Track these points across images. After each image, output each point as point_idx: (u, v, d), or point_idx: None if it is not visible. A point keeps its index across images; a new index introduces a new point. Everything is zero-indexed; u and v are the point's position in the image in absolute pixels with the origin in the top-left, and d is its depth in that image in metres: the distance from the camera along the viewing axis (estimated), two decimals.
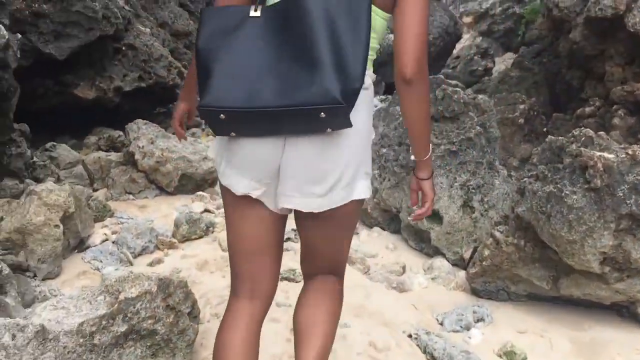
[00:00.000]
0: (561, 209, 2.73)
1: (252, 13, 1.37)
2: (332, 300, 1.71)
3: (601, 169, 2.68)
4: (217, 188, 4.82)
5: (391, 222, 4.19)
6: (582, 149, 2.81)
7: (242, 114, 1.33)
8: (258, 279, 1.62)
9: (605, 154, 2.77)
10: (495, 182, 3.82)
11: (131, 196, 4.40)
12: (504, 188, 3.82)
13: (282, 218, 1.62)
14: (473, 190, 3.77)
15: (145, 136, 4.54)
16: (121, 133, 6.97)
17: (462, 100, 3.99)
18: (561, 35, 4.95)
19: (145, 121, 4.75)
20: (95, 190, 4.66)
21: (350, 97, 1.31)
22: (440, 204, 3.69)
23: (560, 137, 3.07)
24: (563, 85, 6.03)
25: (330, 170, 1.43)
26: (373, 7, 1.40)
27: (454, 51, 18.87)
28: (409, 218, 2.47)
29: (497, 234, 3.13)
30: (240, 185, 1.49)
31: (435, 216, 3.72)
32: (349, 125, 1.36)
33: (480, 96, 4.07)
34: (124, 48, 7.12)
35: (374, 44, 1.47)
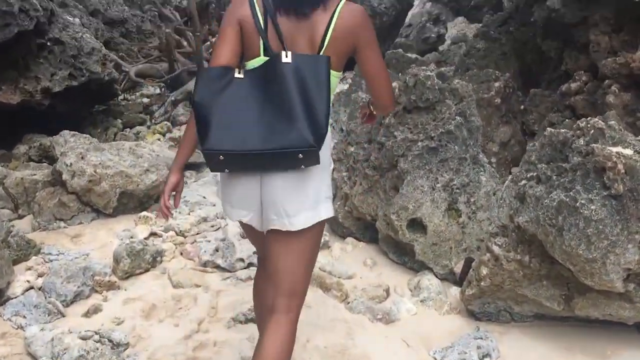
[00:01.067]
0: (576, 221, 2.26)
1: (237, 75, 1.76)
2: (283, 334, 1.84)
3: (622, 170, 2.21)
4: None
5: (366, 230, 3.69)
6: (593, 145, 2.33)
7: (237, 155, 1.70)
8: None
9: (623, 151, 2.30)
10: (481, 179, 3.35)
11: (62, 223, 3.77)
12: (491, 185, 3.36)
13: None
14: (457, 191, 3.28)
15: (73, 151, 3.90)
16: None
17: (436, 87, 3.49)
18: (535, 2, 4.48)
19: (72, 132, 4.10)
20: (20, 217, 4.01)
21: (320, 141, 1.69)
22: (422, 210, 3.19)
23: (562, 130, 2.59)
24: (535, 56, 5.59)
25: (300, 197, 1.79)
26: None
27: (406, 19, 18.45)
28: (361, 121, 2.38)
29: (496, 248, 2.66)
30: (234, 215, 1.93)
31: (418, 225, 3.22)
32: (318, 162, 1.74)
33: (456, 81, 3.57)
34: (49, 43, 6.34)
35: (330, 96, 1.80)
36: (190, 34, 7.67)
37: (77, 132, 4.16)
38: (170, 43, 7.27)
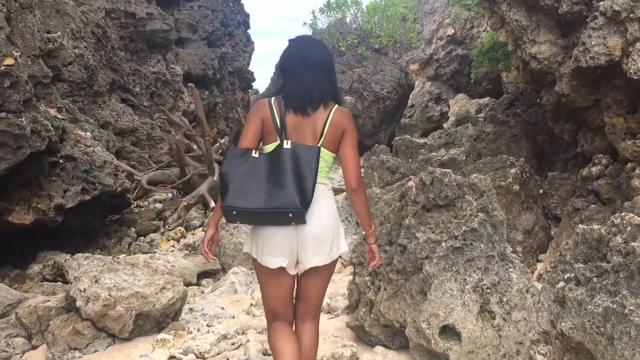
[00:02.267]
0: (627, 329, 2.09)
1: (254, 155, 2.50)
2: (314, 338, 2.71)
3: None
4: (181, 322, 4.07)
5: (394, 337, 3.49)
6: (634, 245, 2.20)
7: (244, 212, 2.43)
8: (284, 312, 2.64)
9: None
10: (512, 277, 3.18)
11: (77, 353, 3.60)
12: (523, 281, 3.19)
13: (294, 277, 2.62)
14: (488, 291, 3.12)
15: (87, 274, 3.79)
16: (70, 257, 6.19)
17: (454, 183, 3.39)
18: (542, 87, 4.48)
19: (86, 255, 4.01)
20: (34, 347, 3.86)
21: (305, 205, 2.42)
22: (454, 316, 3.01)
23: (596, 227, 2.46)
24: (546, 136, 5.55)
25: (327, 240, 2.55)
26: (324, 150, 2.55)
27: (409, 100, 18.78)
28: (369, 267, 2.95)
29: (540, 358, 2.47)
30: (274, 262, 2.50)
31: (451, 332, 3.04)
32: (304, 222, 2.46)
33: (474, 175, 3.48)
34: (61, 161, 6.42)
35: (326, 167, 2.59)
36: (200, 137, 7.77)
37: (90, 254, 4.06)
38: (179, 149, 7.34)
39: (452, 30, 21.58)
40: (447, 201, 3.35)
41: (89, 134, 7.77)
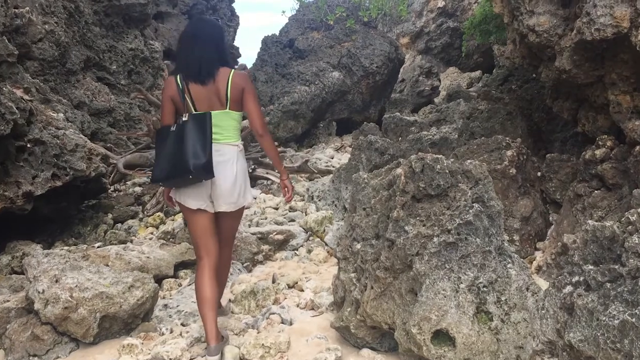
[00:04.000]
0: None
1: (172, 129, 3.06)
2: (228, 257, 3.58)
3: None
4: (153, 323, 3.76)
5: (382, 339, 3.21)
6: None
7: (164, 180, 3.15)
8: (209, 247, 3.24)
9: None
10: (510, 274, 2.90)
11: None
12: (522, 279, 2.90)
13: (212, 214, 3.24)
14: (485, 289, 2.84)
15: (46, 274, 3.47)
16: (40, 247, 5.86)
17: (447, 170, 3.08)
18: (540, 62, 4.14)
19: (46, 252, 3.68)
20: None
21: (198, 167, 2.96)
22: (448, 319, 2.72)
23: (608, 224, 2.16)
24: (542, 114, 5.24)
25: (234, 193, 3.19)
26: (229, 112, 3.14)
27: (399, 75, 18.39)
28: (284, 199, 3.76)
29: None
30: (195, 205, 3.17)
31: (444, 337, 2.75)
32: (209, 177, 3.06)
33: (469, 161, 3.17)
34: (29, 145, 6.02)
35: (237, 126, 3.23)
36: None
37: (51, 251, 3.72)
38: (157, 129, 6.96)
39: (443, 2, 21.12)
40: (439, 190, 3.05)
41: (61, 115, 7.36)
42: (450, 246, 2.86)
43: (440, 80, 20.65)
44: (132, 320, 3.61)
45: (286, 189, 3.37)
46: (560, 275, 2.33)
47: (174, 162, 2.97)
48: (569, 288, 2.22)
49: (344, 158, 9.26)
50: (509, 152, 4.19)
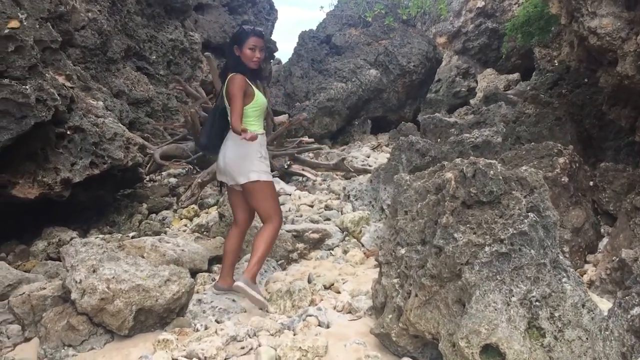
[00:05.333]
0: None
1: None
2: (266, 233, 3.92)
3: None
4: (187, 318, 3.71)
5: (424, 348, 3.09)
6: None
7: (201, 147, 4.57)
8: (235, 216, 4.17)
9: None
10: (565, 288, 2.74)
11: (71, 351, 3.26)
12: (578, 294, 2.74)
13: (236, 191, 4.05)
14: (537, 304, 2.69)
15: (84, 263, 3.43)
16: (76, 234, 5.88)
17: (500, 177, 2.93)
18: (600, 67, 3.96)
19: (84, 241, 3.65)
20: (27, 339, 3.53)
21: (205, 145, 4.20)
22: (498, 334, 2.59)
23: None
24: (594, 120, 5.03)
25: (231, 171, 3.91)
26: (228, 107, 3.90)
27: (436, 75, 18.13)
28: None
29: None
30: (218, 177, 4.15)
31: (493, 351, 2.62)
32: (216, 153, 4.03)
33: (523, 168, 3.02)
34: (68, 132, 6.05)
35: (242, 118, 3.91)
36: None
37: (89, 240, 3.70)
38: (195, 121, 6.93)
39: (482, 3, 20.72)
40: (492, 197, 2.91)
41: (101, 103, 7.39)
42: (502, 257, 2.72)
43: (477, 82, 20.32)
44: (168, 315, 3.55)
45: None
46: (627, 295, 2.17)
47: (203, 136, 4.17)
48: (636, 310, 2.07)
49: (380, 157, 9.13)
50: (561, 160, 4.01)
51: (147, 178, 7.64)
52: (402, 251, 3.18)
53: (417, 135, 9.04)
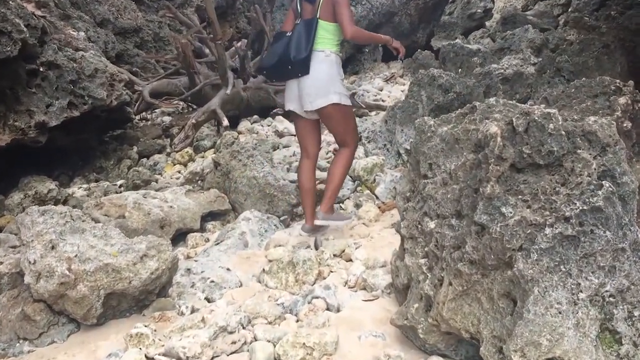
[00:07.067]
0: None
1: (288, 33, 3.69)
2: (342, 159, 3.77)
3: None
4: (172, 296, 3.14)
5: (458, 346, 2.49)
6: None
7: (268, 68, 3.79)
8: (306, 146, 3.90)
9: None
10: None
11: (27, 345, 2.70)
12: None
13: (309, 120, 3.81)
14: (612, 300, 2.05)
15: (40, 238, 2.82)
16: (55, 185, 5.26)
17: (562, 131, 2.23)
18: None
19: (43, 209, 3.01)
20: None
21: (297, 61, 3.54)
22: (564, 345, 1.96)
23: None
24: None
25: (313, 92, 3.59)
26: (322, 22, 3.60)
27: None
28: (400, 57, 3.96)
29: None
30: (288, 107, 3.81)
31: None
32: (306, 73, 3.57)
33: (592, 119, 2.29)
34: (41, 69, 5.32)
35: (329, 37, 3.64)
36: (211, 41, 6.54)
37: (51, 207, 3.05)
38: (187, 54, 6.15)
39: None
40: (552, 159, 2.21)
41: (82, 34, 6.61)
42: (568, 241, 2.06)
43: (493, 2, 19.06)
44: (145, 297, 2.97)
45: (396, 48, 3.91)
46: None
47: (281, 55, 3.59)
48: None
49: (394, 90, 8.32)
50: (621, 100, 3.27)
51: (138, 118, 6.94)
52: (432, 225, 2.52)
53: (434, 65, 8.20)
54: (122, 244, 2.94)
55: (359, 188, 4.67)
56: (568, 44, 4.71)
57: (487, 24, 17.56)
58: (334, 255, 3.50)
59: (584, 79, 3.68)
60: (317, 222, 3.72)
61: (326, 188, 3.79)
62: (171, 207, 4.19)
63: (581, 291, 2.04)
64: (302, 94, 3.63)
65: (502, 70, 5.39)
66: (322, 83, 3.58)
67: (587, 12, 4.82)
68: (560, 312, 2.00)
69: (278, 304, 2.95)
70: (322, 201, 3.76)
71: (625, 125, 3.19)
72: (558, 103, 3.59)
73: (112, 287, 2.77)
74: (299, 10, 3.70)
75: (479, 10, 18.28)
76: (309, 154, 3.88)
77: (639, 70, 4.38)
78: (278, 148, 5.95)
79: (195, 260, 3.64)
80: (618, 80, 3.47)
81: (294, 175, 4.79)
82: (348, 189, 4.62)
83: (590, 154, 2.22)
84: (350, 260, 3.45)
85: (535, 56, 6.08)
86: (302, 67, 3.54)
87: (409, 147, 4.77)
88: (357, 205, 4.35)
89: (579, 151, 2.22)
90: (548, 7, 15.47)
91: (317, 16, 3.56)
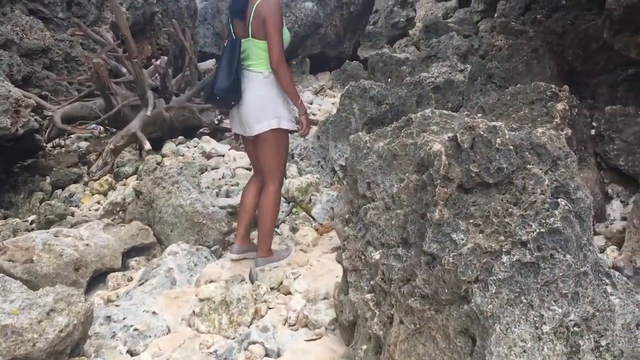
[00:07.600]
0: None
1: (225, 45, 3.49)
2: (269, 202, 3.47)
3: None
4: (88, 353, 2.75)
5: None
6: None
7: (208, 100, 3.73)
8: (256, 169, 3.72)
9: None
10: (613, 304, 1.94)
11: None
12: (631, 311, 1.94)
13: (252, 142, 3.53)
14: (577, 330, 1.87)
15: None
16: None
17: (511, 146, 2.04)
18: None
19: None
20: None
21: (222, 91, 3.32)
22: None
23: None
24: (577, 50, 4.19)
25: (250, 118, 3.36)
26: (255, 41, 3.30)
27: (374, 6, 17.04)
28: (299, 134, 3.78)
29: None
30: (233, 128, 3.64)
31: None
32: (237, 101, 3.37)
33: (540, 130, 2.12)
34: None
35: (266, 56, 3.29)
36: (127, 60, 6.12)
37: None
38: (101, 74, 5.71)
39: None
40: (501, 177, 2.02)
41: None
42: (527, 268, 1.86)
43: (415, 11, 19.38)
44: (56, 358, 2.57)
45: (301, 125, 3.55)
46: None
47: (212, 85, 3.38)
48: None
49: (324, 103, 8.12)
50: (559, 106, 3.16)
51: (50, 145, 6.40)
52: (376, 256, 2.28)
53: (363, 75, 8.08)
54: (23, 299, 2.54)
55: (294, 210, 4.41)
56: (497, 49, 4.64)
57: (411, 32, 17.82)
58: (271, 289, 3.21)
59: (518, 85, 3.57)
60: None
61: (259, 234, 3.55)
62: (87, 245, 3.78)
63: (544, 323, 1.84)
64: (241, 120, 3.42)
65: (433, 79, 5.28)
66: (259, 108, 3.33)
67: (513, 17, 4.79)
68: (524, 351, 1.79)
69: (211, 353, 2.63)
70: (258, 246, 3.53)
71: (565, 132, 3.08)
72: (495, 112, 3.45)
73: (12, 353, 2.37)
74: (232, 28, 3.40)
75: (401, 19, 18.51)
76: (258, 175, 3.68)
77: (568, 73, 4.34)
78: (206, 170, 5.59)
79: (117, 305, 3.27)
80: (553, 86, 3.37)
81: (224, 201, 4.47)
82: (283, 211, 4.34)
83: (541, 169, 2.04)
84: (290, 293, 3.17)
85: (462, 62, 6.02)
86: (231, 96, 3.33)
87: (344, 164, 4.56)
88: (294, 229, 4.08)
89: (529, 166, 2.03)
90: (467, 14, 15.82)
91: (250, 35, 3.27)
